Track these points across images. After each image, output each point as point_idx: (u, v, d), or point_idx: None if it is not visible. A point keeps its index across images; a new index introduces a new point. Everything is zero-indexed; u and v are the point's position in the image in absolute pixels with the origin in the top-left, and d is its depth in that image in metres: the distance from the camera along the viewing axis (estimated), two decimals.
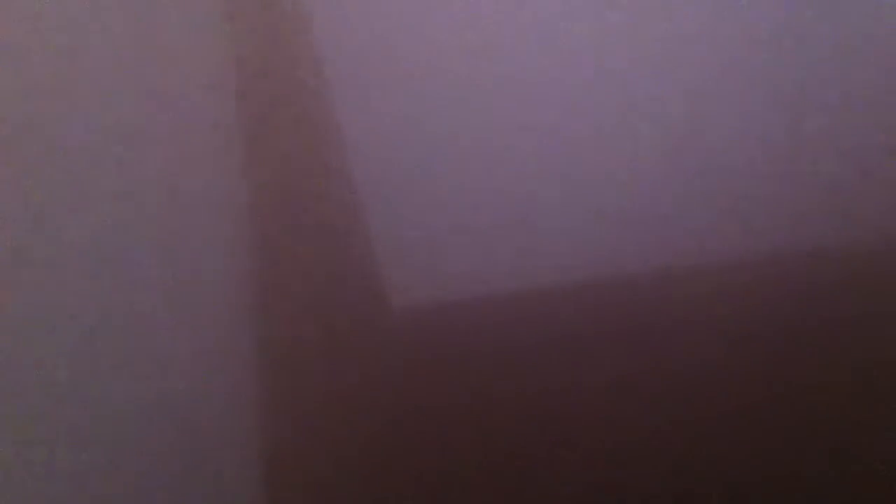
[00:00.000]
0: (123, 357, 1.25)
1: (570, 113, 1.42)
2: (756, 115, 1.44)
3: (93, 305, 1.23)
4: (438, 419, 1.38)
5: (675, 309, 1.38)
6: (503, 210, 1.39)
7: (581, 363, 1.39)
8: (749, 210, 1.40)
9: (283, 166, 1.41)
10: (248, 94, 1.41)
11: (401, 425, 1.38)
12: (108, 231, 1.26)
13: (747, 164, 1.41)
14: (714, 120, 1.43)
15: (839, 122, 1.44)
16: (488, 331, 1.37)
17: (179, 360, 1.30)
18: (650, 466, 1.41)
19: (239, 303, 1.37)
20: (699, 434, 1.41)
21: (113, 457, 1.23)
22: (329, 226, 1.39)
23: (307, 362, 1.37)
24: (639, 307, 1.38)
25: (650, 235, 1.38)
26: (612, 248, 1.38)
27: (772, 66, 1.45)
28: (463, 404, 1.38)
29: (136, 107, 1.30)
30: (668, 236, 1.38)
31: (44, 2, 1.22)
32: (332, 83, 1.40)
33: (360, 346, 1.37)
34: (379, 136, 1.40)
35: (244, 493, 1.34)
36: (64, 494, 1.17)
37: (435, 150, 1.40)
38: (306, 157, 1.41)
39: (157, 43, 1.33)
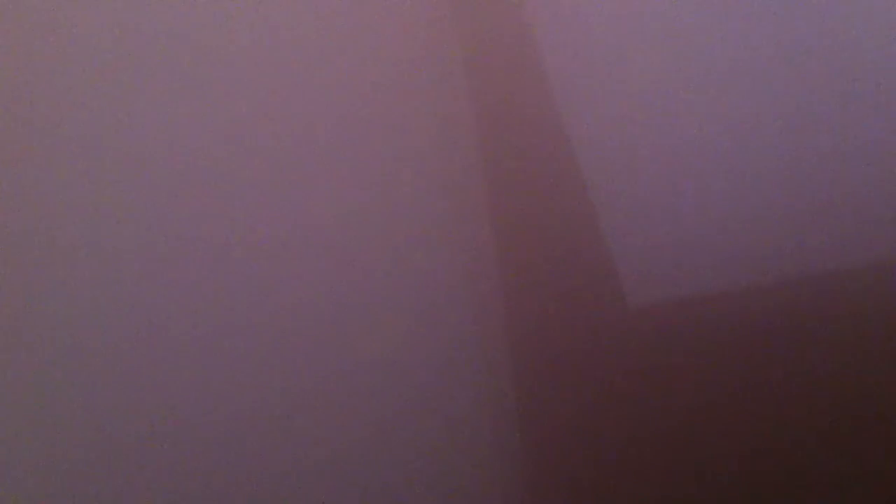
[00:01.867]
0: (372, 361, 1.29)
1: (800, 114, 1.43)
2: None
3: (333, 305, 1.27)
4: (680, 413, 1.41)
5: None
6: (733, 209, 1.41)
7: (814, 352, 1.41)
8: None
9: (520, 173, 1.42)
10: (481, 95, 1.43)
11: (644, 420, 1.41)
12: (342, 225, 1.29)
13: None
14: None
15: None
16: (723, 326, 1.40)
17: (430, 362, 1.34)
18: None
19: (481, 307, 1.39)
20: None
21: (368, 456, 1.27)
22: (565, 231, 1.41)
23: (550, 363, 1.40)
24: (867, 296, 1.39)
25: (872, 227, 1.40)
26: (838, 241, 1.40)
27: None
28: (704, 398, 1.41)
29: (375, 104, 1.33)
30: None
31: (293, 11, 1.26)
32: (561, 84, 1.42)
33: (600, 346, 1.40)
34: (612, 139, 1.42)
35: (499, 484, 1.38)
36: (326, 489, 1.22)
37: (666, 152, 1.42)
38: (540, 160, 1.42)
39: (391, 43, 1.35)
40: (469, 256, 1.40)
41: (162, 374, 1.16)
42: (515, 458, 1.41)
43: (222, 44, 1.22)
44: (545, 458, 1.41)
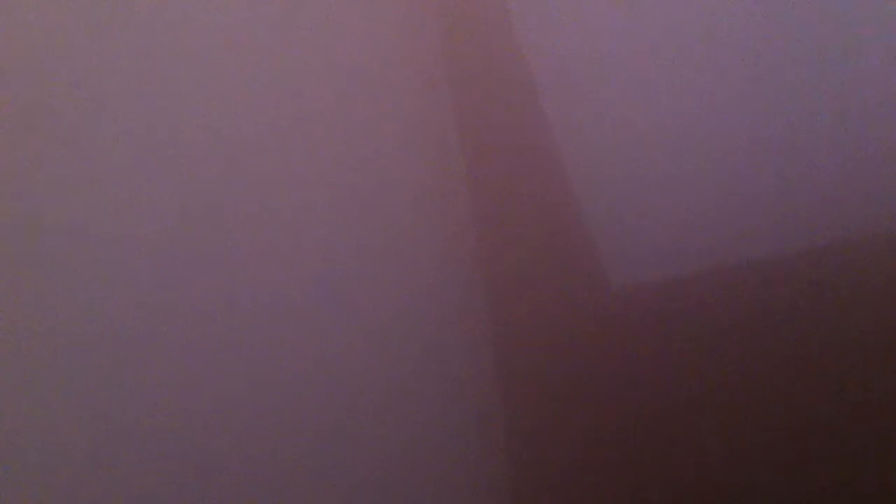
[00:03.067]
0: (362, 356, 1.29)
1: (779, 99, 1.44)
2: None
3: (312, 296, 1.26)
4: (665, 395, 1.42)
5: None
6: (717, 188, 1.42)
7: (797, 333, 1.41)
8: None
9: (500, 157, 1.44)
10: (462, 91, 1.44)
11: (630, 401, 1.42)
12: (328, 225, 1.29)
13: None
14: None
15: None
16: (708, 305, 1.41)
17: (413, 351, 1.34)
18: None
19: (464, 291, 1.40)
20: None
21: (356, 451, 1.27)
22: (547, 211, 1.42)
23: (532, 345, 1.42)
24: (851, 275, 1.41)
25: (861, 206, 1.41)
26: (819, 219, 1.41)
27: None
28: (689, 379, 1.42)
29: (359, 105, 1.33)
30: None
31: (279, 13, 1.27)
32: (543, 75, 1.43)
33: (582, 325, 1.41)
34: (595, 121, 1.43)
35: (484, 470, 1.38)
36: (321, 492, 1.23)
37: (650, 132, 1.43)
38: (522, 147, 1.44)
39: (375, 43, 1.36)
40: (450, 239, 1.40)
41: (132, 369, 1.15)
42: (500, 443, 1.41)
43: (197, 39, 1.22)
44: (530, 442, 1.42)
